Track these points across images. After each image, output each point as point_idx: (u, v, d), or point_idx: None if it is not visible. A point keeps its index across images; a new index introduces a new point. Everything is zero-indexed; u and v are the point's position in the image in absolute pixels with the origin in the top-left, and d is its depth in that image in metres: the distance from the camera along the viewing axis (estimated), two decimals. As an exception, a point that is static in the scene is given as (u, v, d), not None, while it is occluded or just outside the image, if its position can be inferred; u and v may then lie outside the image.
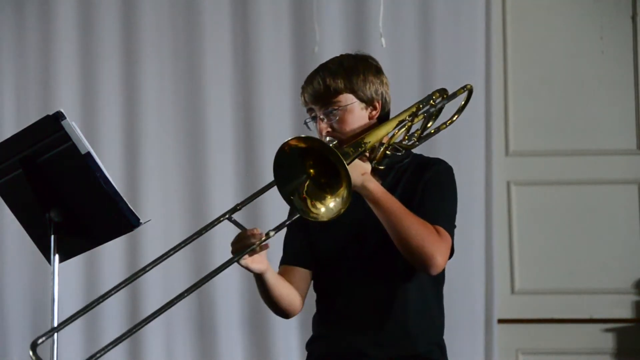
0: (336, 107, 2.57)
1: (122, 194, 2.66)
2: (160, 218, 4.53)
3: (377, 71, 2.64)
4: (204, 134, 4.66)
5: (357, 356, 2.58)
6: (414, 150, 2.67)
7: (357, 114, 2.59)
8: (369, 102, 2.60)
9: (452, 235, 2.53)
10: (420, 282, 2.58)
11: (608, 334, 4.65)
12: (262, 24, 4.65)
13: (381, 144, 2.52)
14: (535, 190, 4.71)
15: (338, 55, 2.71)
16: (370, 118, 2.61)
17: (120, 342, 2.29)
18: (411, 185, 2.57)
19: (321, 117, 2.59)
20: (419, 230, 2.44)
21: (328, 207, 2.32)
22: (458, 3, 4.59)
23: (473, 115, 4.48)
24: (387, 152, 2.54)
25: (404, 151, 2.59)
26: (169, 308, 2.31)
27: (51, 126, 2.59)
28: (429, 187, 2.55)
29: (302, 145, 2.31)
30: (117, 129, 4.68)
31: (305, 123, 2.64)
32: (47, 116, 2.59)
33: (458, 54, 4.57)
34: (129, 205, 2.67)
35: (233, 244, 2.45)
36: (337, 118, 2.57)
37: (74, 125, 2.60)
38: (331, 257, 2.63)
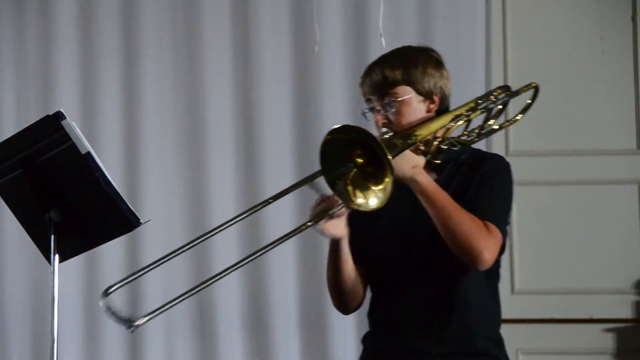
0: (393, 99, 2.56)
1: (122, 194, 2.66)
2: (160, 218, 4.53)
3: (438, 64, 2.62)
4: (204, 133, 4.66)
5: (415, 353, 2.56)
6: (474, 146, 2.65)
7: (414, 107, 2.57)
8: (427, 95, 2.58)
9: (503, 231, 2.50)
10: (477, 278, 2.56)
11: (608, 334, 4.65)
12: (262, 24, 4.65)
13: (435, 137, 2.51)
14: (535, 190, 4.71)
15: (398, 47, 2.70)
16: (428, 111, 2.59)
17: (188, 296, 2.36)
18: (465, 180, 2.55)
19: (378, 108, 2.58)
20: (467, 226, 2.42)
21: (371, 197, 2.32)
22: (458, 3, 4.59)
23: (473, 115, 4.49)
24: (443, 146, 2.52)
25: (460, 146, 2.57)
26: (233, 270, 2.39)
27: (51, 126, 2.59)
28: (482, 182, 2.53)
29: (348, 134, 2.30)
30: (117, 129, 4.68)
31: (363, 114, 2.62)
32: (47, 116, 2.59)
33: (458, 54, 4.57)
34: (129, 205, 2.67)
35: (312, 208, 2.47)
36: (394, 110, 2.56)
37: (74, 125, 2.60)
38: (384, 255, 2.62)
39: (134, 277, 2.44)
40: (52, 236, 2.65)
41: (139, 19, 4.69)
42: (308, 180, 2.48)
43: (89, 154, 2.60)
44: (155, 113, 4.68)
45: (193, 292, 2.37)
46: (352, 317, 4.52)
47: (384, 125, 2.56)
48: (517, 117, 2.75)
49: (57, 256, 2.66)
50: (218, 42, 4.66)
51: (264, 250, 2.43)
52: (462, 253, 2.44)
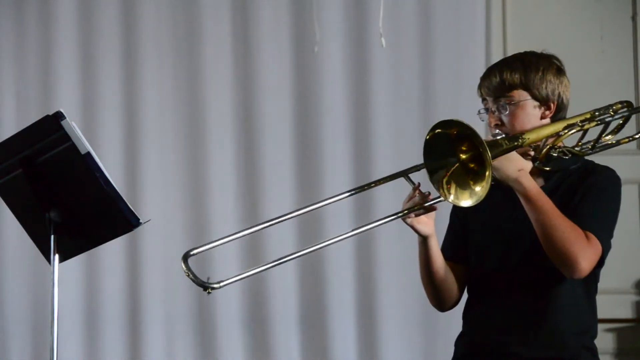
0: (508, 101, 2.56)
1: (122, 194, 2.66)
2: (160, 218, 4.53)
3: (559, 71, 2.63)
4: (204, 133, 4.66)
5: (505, 356, 2.57)
6: (588, 158, 2.64)
7: (529, 112, 2.57)
8: (543, 102, 2.58)
9: (604, 244, 2.50)
10: (573, 287, 2.55)
11: (608, 334, 4.65)
12: (262, 24, 4.65)
13: (546, 144, 2.51)
14: (535, 190, 4.71)
15: (521, 52, 2.72)
16: (542, 118, 2.59)
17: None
18: (572, 189, 2.55)
19: (492, 109, 2.58)
20: (566, 232, 2.42)
21: (467, 194, 2.34)
22: (458, 3, 4.59)
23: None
24: (553, 154, 2.53)
25: (571, 156, 2.57)
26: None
27: (51, 126, 2.59)
28: (588, 193, 2.53)
29: (453, 128, 2.32)
30: (117, 129, 4.68)
31: (479, 113, 2.62)
32: (47, 116, 2.59)
33: (458, 54, 4.57)
34: (129, 205, 2.67)
35: (404, 202, 2.50)
36: (508, 112, 2.56)
37: (74, 125, 2.60)
38: (482, 255, 2.63)
39: (214, 243, 2.49)
40: (52, 236, 2.65)
41: (139, 19, 4.69)
42: (409, 171, 2.51)
43: (88, 154, 2.60)
44: (155, 113, 4.68)
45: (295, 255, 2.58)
46: (352, 317, 4.55)
47: (496, 126, 2.56)
48: (636, 135, 2.74)
49: (57, 256, 2.66)
50: (218, 42, 4.67)
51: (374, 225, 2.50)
52: (558, 259, 2.44)
